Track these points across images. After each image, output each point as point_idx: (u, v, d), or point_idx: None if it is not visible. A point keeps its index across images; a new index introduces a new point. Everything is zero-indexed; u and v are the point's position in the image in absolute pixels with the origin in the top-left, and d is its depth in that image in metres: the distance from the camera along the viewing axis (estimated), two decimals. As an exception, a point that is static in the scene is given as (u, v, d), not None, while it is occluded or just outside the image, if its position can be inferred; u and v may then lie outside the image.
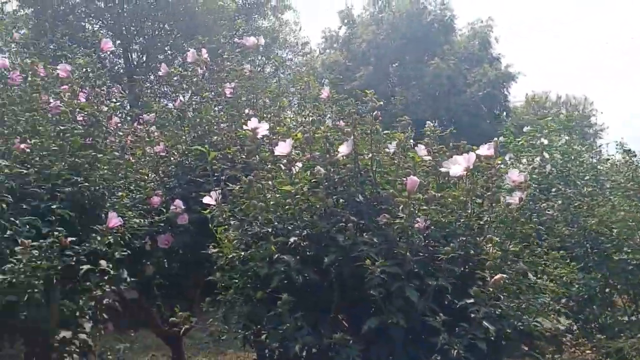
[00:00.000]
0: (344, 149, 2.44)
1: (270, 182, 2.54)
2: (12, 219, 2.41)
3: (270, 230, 2.28)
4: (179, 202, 3.09)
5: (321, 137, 2.47)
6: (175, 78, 4.84)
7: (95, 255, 2.93)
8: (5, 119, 2.74)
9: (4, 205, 2.31)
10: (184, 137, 4.64)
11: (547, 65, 46.96)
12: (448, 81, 21.56)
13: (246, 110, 4.74)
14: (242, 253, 2.37)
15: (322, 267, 2.38)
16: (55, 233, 2.45)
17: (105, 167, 3.23)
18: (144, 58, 15.71)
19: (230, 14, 14.20)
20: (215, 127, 4.37)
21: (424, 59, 23.26)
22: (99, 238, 2.73)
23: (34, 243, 2.32)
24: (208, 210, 2.64)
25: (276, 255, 2.26)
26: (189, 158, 4.39)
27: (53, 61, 4.67)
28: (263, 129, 2.59)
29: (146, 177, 4.04)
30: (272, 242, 2.27)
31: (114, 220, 2.80)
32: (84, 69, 3.47)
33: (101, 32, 13.48)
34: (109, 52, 15.33)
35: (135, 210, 3.51)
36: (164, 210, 3.30)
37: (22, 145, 2.73)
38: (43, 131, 2.97)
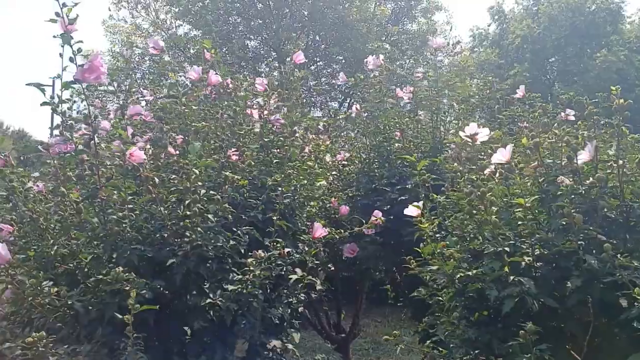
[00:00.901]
0: (584, 156, 2.13)
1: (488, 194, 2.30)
2: (234, 228, 2.49)
3: (506, 248, 2.04)
4: (377, 213, 3.00)
5: (556, 142, 2.18)
6: (306, 87, 4.83)
7: (292, 263, 2.96)
8: (218, 132, 2.86)
9: (229, 216, 2.38)
10: (359, 145, 4.62)
11: None
12: (617, 74, 19.34)
13: (421, 114, 4.59)
14: (470, 273, 2.17)
15: (558, 292, 2.10)
16: (277, 244, 2.49)
17: (302, 177, 3.28)
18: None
19: (381, 20, 14.20)
20: (396, 133, 4.27)
21: (587, 52, 21.23)
22: (306, 248, 2.73)
23: (263, 254, 2.37)
24: (425, 224, 2.48)
25: (512, 277, 2.02)
26: (370, 166, 4.34)
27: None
28: (483, 134, 2.37)
29: (328, 186, 4.05)
30: (507, 262, 2.04)
31: (319, 230, 2.79)
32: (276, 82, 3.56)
33: (260, 47, 14.27)
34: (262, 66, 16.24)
35: (322, 218, 3.53)
36: (363, 221, 3.25)
37: (234, 157, 2.83)
38: (247, 142, 3.08)
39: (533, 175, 2.27)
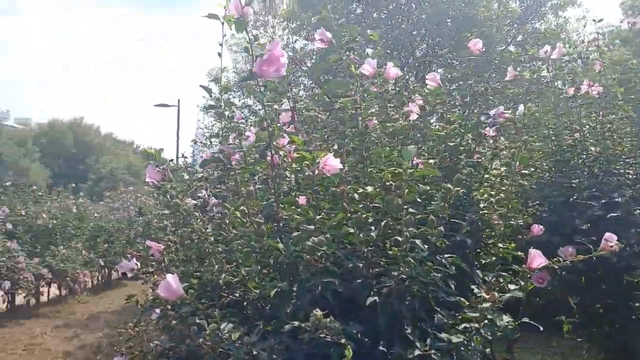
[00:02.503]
0: None
1: None
2: (437, 256, 1.94)
3: None
4: (612, 236, 2.29)
5: None
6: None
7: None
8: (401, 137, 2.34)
9: (439, 243, 1.83)
10: (536, 150, 3.89)
11: None
12: None
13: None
14: None
15: None
16: (501, 280, 1.91)
17: (486, 185, 2.69)
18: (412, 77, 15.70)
19: (507, 20, 13.16)
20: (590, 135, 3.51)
21: None
22: (522, 283, 2.11)
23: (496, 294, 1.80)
24: None
25: None
26: (555, 174, 3.61)
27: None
28: None
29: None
30: None
31: (538, 259, 2.15)
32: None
33: (382, 54, 13.81)
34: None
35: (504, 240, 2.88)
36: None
37: (422, 165, 2.29)
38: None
39: None
